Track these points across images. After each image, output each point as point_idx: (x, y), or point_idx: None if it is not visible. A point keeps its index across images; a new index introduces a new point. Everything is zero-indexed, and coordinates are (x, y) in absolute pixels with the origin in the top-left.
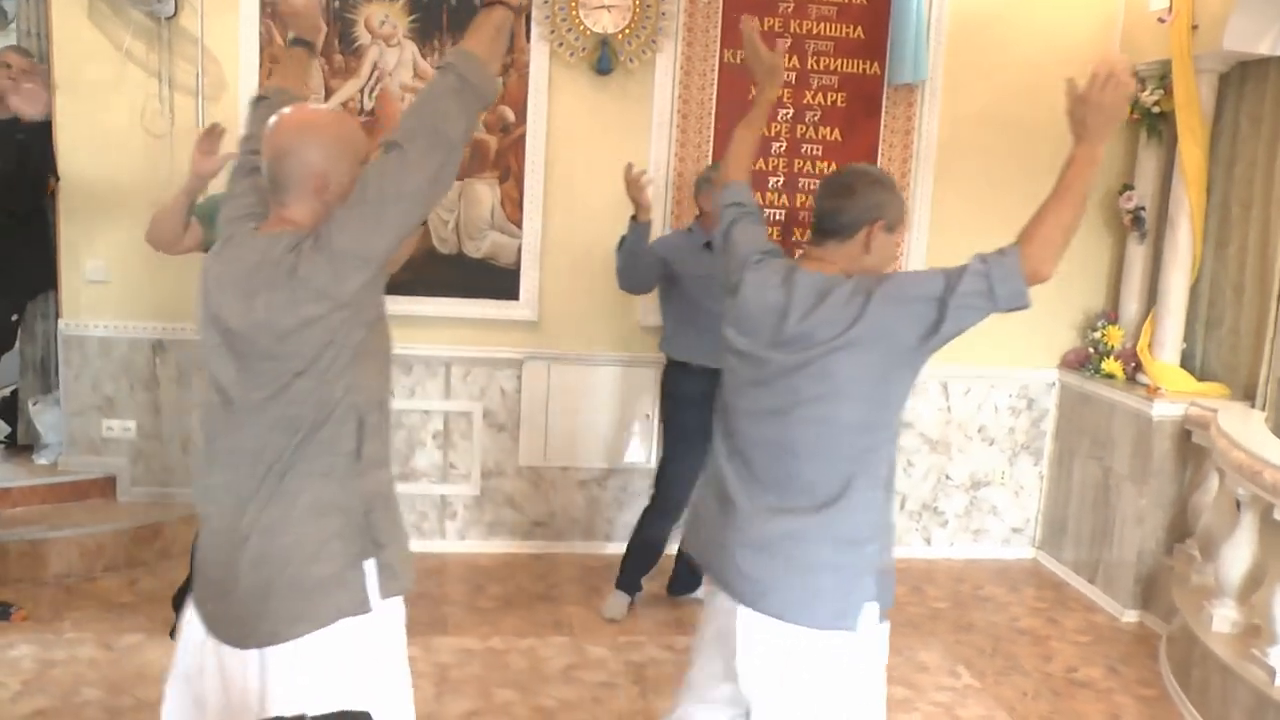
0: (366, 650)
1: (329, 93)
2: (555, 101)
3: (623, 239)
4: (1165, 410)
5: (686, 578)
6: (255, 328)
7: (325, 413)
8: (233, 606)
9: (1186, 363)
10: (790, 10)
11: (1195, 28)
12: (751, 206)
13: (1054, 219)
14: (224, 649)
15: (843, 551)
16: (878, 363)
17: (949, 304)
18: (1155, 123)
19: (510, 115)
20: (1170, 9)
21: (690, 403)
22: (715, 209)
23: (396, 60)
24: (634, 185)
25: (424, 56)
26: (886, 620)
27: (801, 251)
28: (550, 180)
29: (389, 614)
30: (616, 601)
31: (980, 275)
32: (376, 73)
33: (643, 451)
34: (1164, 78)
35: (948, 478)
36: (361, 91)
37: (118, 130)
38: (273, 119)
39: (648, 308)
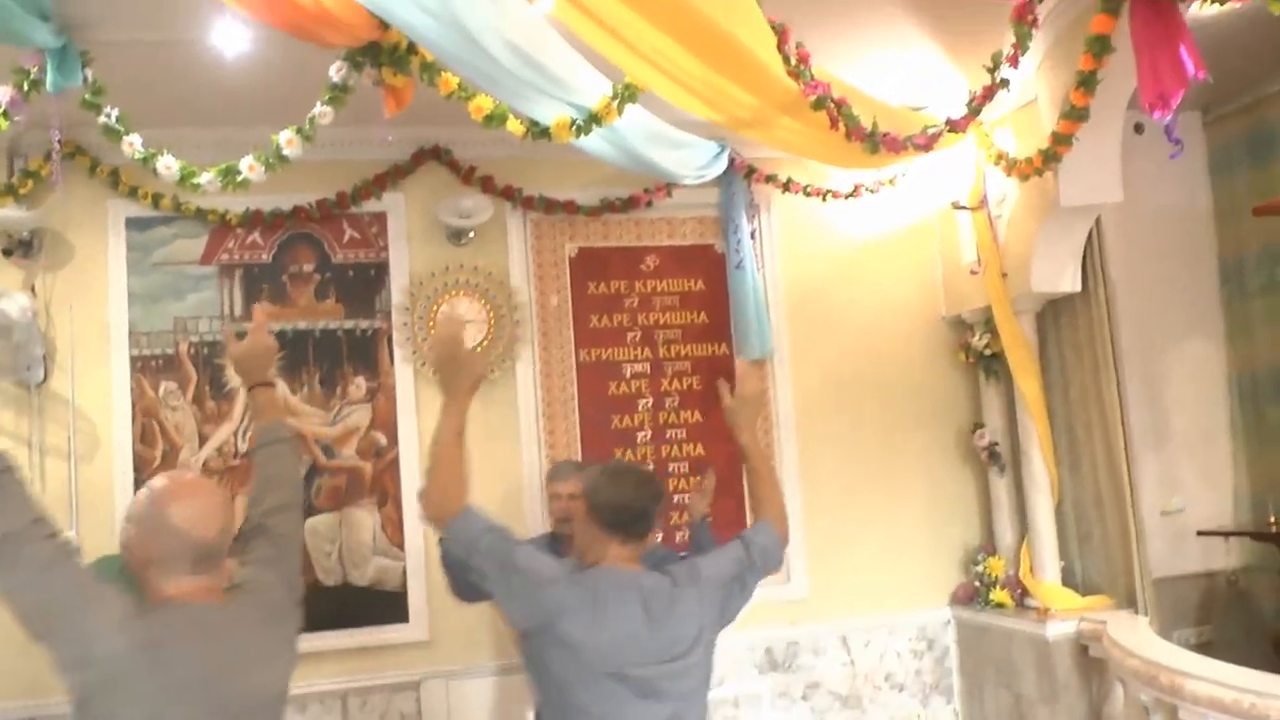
0: None
1: (202, 439)
2: (424, 419)
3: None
4: (1059, 629)
5: None
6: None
7: None
8: None
9: (1068, 580)
10: (636, 305)
11: (1005, 275)
12: (503, 526)
13: (771, 491)
14: None
15: None
16: (713, 639)
17: (748, 580)
18: (990, 364)
19: (382, 439)
20: (979, 261)
21: None
22: (461, 535)
23: None
24: None
25: (293, 392)
26: None
27: (610, 556)
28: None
29: None
30: None
31: (756, 547)
32: (248, 415)
33: None
34: (989, 322)
35: None
36: (235, 434)
37: None
38: (199, 500)
39: None
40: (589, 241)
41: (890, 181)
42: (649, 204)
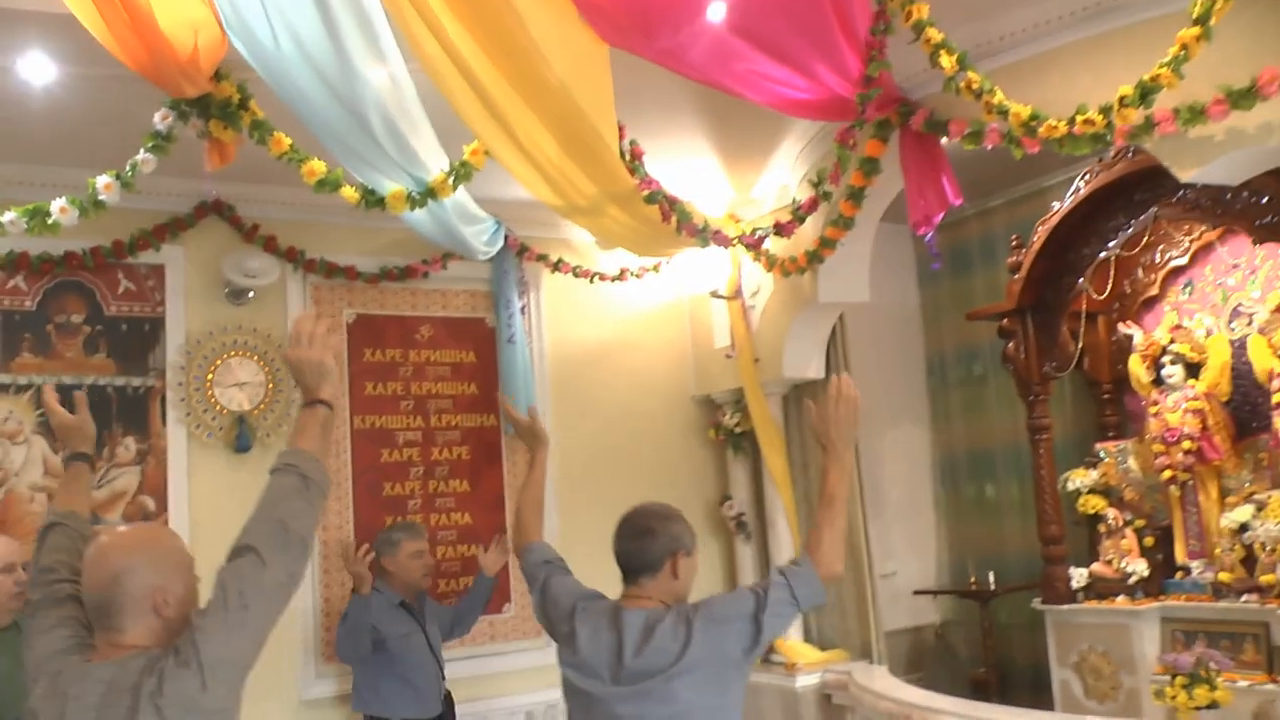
0: None
1: None
2: (196, 483)
3: (345, 614)
4: (805, 681)
5: None
6: None
7: None
8: None
9: (809, 638)
10: (410, 374)
11: (757, 360)
12: (558, 561)
13: (830, 527)
14: None
15: None
16: (714, 678)
17: (763, 619)
18: (739, 441)
19: (151, 504)
20: (733, 346)
21: None
22: (526, 567)
23: (24, 458)
24: (352, 560)
25: (55, 451)
26: None
27: (623, 595)
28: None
29: None
30: None
31: (783, 586)
32: (1, 473)
33: None
34: (738, 402)
35: None
36: None
37: None
38: (93, 548)
39: (305, 681)
40: (367, 309)
41: (655, 268)
42: (425, 275)
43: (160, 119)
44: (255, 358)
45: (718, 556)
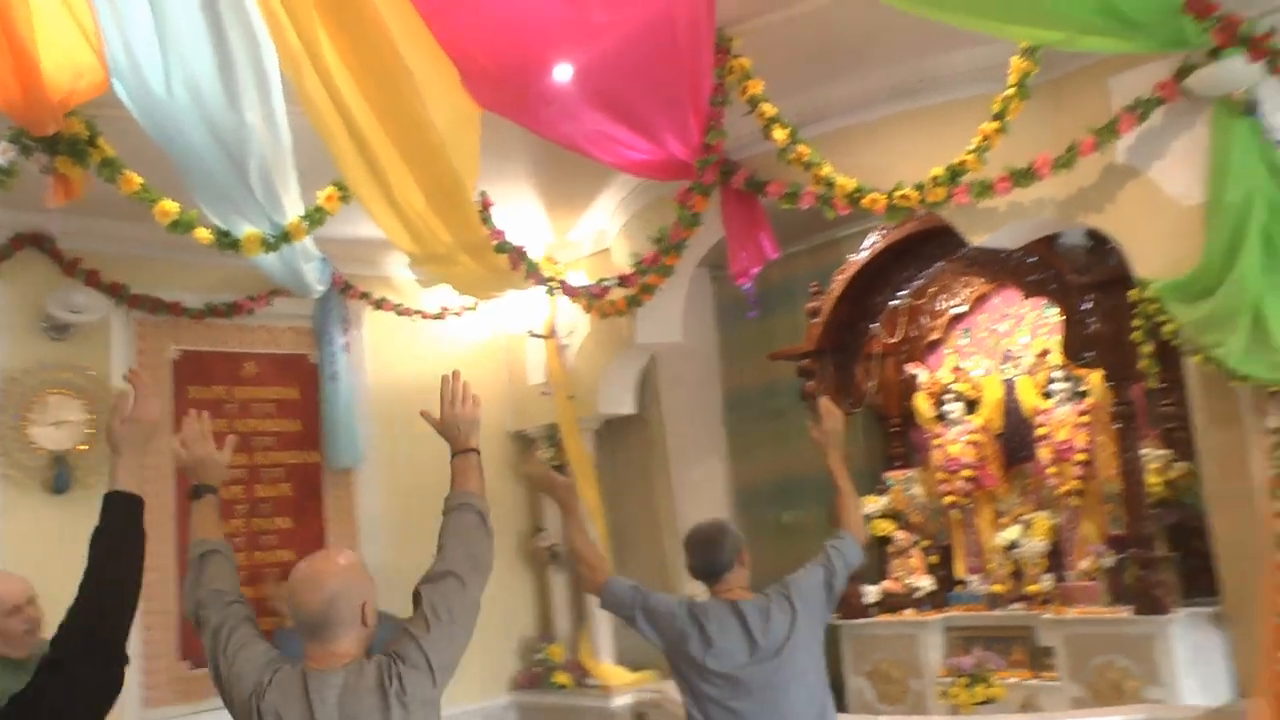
0: None
1: None
2: (8, 524)
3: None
4: (620, 701)
5: None
6: None
7: None
8: None
9: (621, 660)
10: (235, 410)
11: (572, 397)
12: (639, 584)
13: (852, 507)
14: None
15: None
16: (814, 638)
17: (835, 583)
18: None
19: None
20: (548, 383)
21: None
22: (610, 600)
23: None
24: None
25: None
26: None
27: (712, 592)
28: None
29: None
30: None
31: (839, 554)
32: None
33: None
34: (552, 437)
35: None
36: None
37: None
38: (306, 573)
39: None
40: (193, 345)
41: (473, 307)
42: (251, 311)
43: (2, 153)
44: (77, 395)
45: (530, 586)
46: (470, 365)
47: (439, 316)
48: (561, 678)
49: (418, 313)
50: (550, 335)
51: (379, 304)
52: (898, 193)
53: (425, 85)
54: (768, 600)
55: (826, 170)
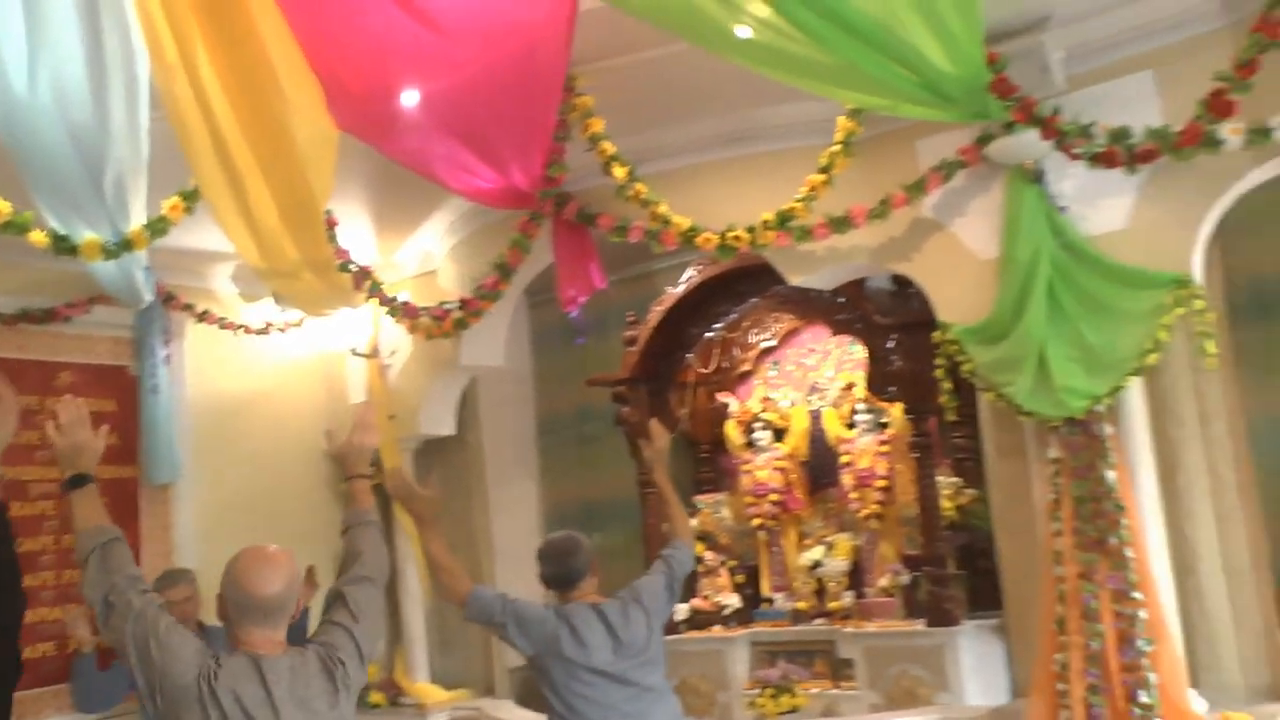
0: None
1: None
2: None
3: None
4: (436, 718)
5: None
6: None
7: None
8: None
9: (435, 679)
10: (42, 420)
11: (393, 417)
12: (501, 591)
13: (681, 516)
14: None
15: None
16: (660, 633)
17: (674, 587)
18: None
19: None
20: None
21: None
22: (477, 609)
23: None
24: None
25: None
26: None
27: (567, 598)
28: None
29: None
30: None
31: (677, 561)
32: None
33: None
34: (372, 457)
35: None
36: None
37: None
38: (262, 557)
39: None
40: (3, 351)
41: (298, 323)
42: (68, 319)
43: None
44: None
45: None
46: (291, 382)
47: (263, 331)
48: (376, 697)
49: (241, 327)
50: (373, 354)
51: (202, 316)
52: (730, 233)
53: (293, 103)
54: (623, 603)
55: (663, 208)
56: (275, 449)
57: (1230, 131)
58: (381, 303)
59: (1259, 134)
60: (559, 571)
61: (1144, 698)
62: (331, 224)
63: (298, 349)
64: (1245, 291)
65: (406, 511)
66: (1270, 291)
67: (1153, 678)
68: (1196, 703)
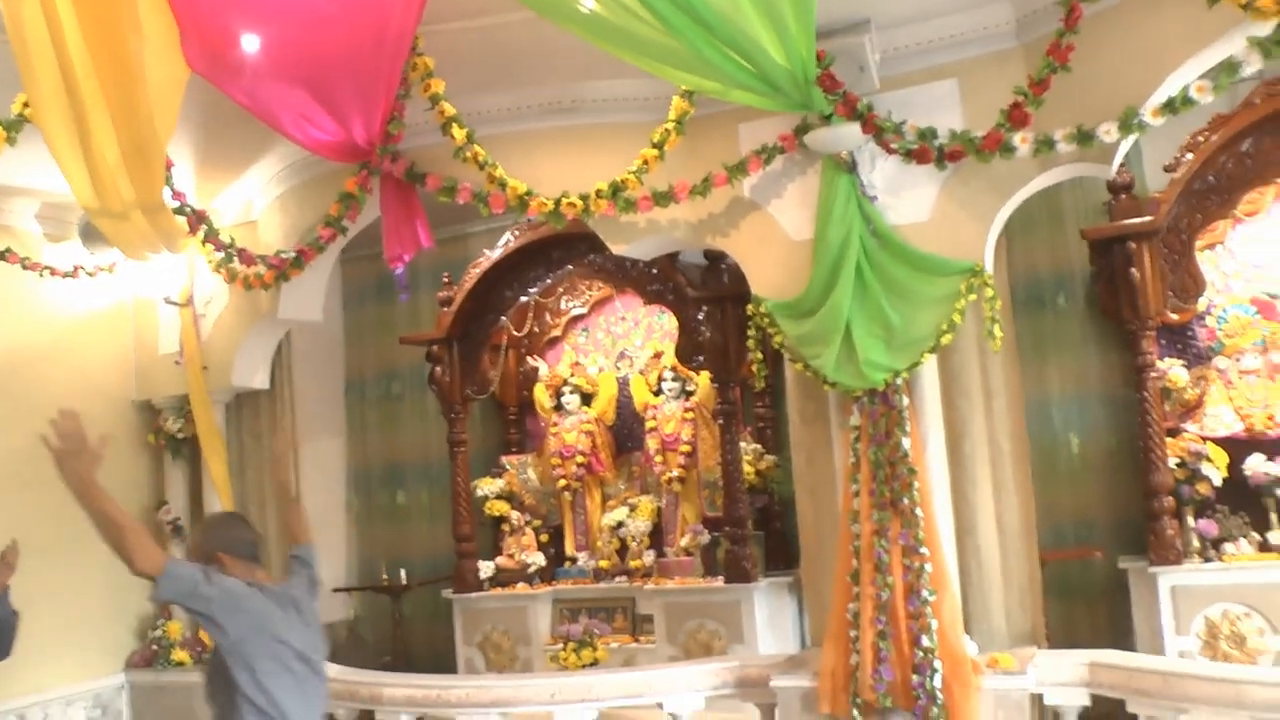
0: None
1: None
2: None
3: None
4: None
5: None
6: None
7: None
8: None
9: None
10: None
11: (205, 368)
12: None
13: (304, 517)
14: None
15: None
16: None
17: (316, 582)
18: (180, 446)
19: None
20: (181, 353)
21: None
22: (173, 583)
23: None
24: None
25: None
26: None
27: (254, 572)
28: None
29: None
30: None
31: (313, 561)
32: None
33: None
34: (182, 408)
35: None
36: None
37: None
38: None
39: None
40: None
41: (110, 267)
42: None
43: None
44: None
45: None
46: (95, 329)
47: (71, 275)
48: (180, 655)
49: (47, 268)
50: (187, 304)
51: (3, 256)
52: (565, 200)
53: (150, 41)
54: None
55: (499, 172)
56: (76, 398)
57: (1021, 140)
58: (217, 249)
59: (1044, 144)
60: (253, 542)
61: (925, 641)
62: (168, 166)
63: (100, 296)
64: (1023, 284)
65: (65, 469)
66: (1043, 285)
67: (934, 624)
68: (969, 646)
